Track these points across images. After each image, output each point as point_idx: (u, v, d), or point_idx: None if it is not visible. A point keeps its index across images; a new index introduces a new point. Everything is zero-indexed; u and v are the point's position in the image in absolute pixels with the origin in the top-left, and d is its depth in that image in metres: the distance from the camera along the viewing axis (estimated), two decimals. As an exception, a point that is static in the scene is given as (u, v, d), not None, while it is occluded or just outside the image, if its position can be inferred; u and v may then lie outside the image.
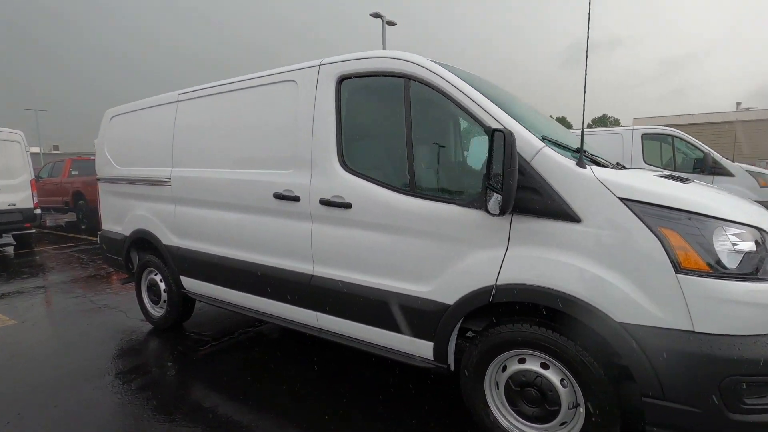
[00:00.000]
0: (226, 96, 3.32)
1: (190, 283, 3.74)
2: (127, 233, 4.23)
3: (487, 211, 2.00)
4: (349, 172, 2.60)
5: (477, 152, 2.68)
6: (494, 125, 2.11)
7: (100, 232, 4.71)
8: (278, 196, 2.89)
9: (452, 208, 2.23)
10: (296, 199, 2.80)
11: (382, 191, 2.47)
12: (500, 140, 1.89)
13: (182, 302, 3.97)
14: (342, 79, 2.66)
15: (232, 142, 3.26)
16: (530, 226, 2.03)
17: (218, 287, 3.46)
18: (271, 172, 2.97)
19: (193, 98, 3.60)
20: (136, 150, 4.13)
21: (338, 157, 2.64)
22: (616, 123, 66.04)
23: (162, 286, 4.05)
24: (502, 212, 1.95)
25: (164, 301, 4.07)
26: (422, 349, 2.42)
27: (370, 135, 2.81)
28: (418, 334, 2.41)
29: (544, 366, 2.08)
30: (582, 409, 1.99)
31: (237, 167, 3.20)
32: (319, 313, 2.84)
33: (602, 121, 69.36)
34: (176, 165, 3.67)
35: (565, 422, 2.06)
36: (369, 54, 2.58)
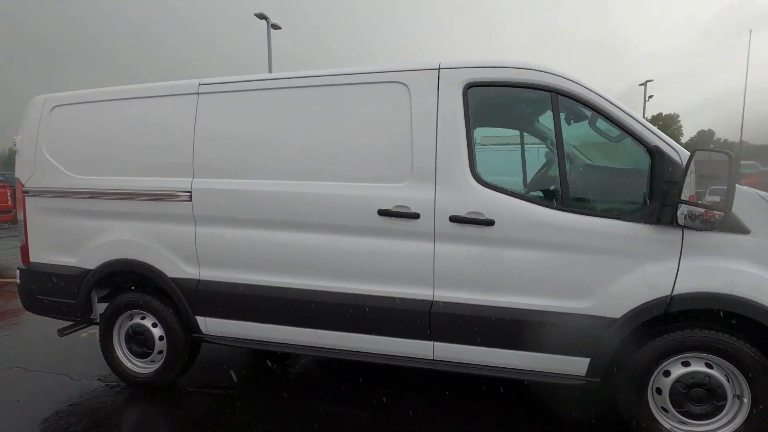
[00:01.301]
0: (295, 93, 2.74)
1: (216, 325, 2.94)
2: (91, 266, 3.11)
3: (676, 224, 2.11)
4: (484, 186, 2.42)
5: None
6: (654, 142, 2.24)
7: (24, 267, 3.34)
8: (386, 213, 2.52)
9: (615, 222, 2.27)
10: (414, 216, 2.48)
11: (530, 207, 2.37)
12: (663, 158, 2.07)
13: (191, 350, 3.09)
14: (469, 86, 2.47)
15: (306, 149, 2.71)
16: (701, 238, 2.20)
17: (271, 326, 2.81)
18: (375, 186, 2.57)
19: (227, 92, 2.86)
20: (113, 153, 3.07)
21: (470, 170, 2.44)
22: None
23: (156, 332, 3.09)
24: (691, 227, 2.08)
25: (159, 353, 3.10)
26: (574, 366, 2.39)
27: (506, 147, 2.66)
28: (572, 351, 2.37)
29: (708, 365, 2.26)
30: (746, 399, 2.23)
31: (316, 179, 2.67)
32: (436, 343, 2.55)
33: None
34: (200, 174, 2.86)
35: (728, 415, 2.27)
36: (503, 63, 2.46)
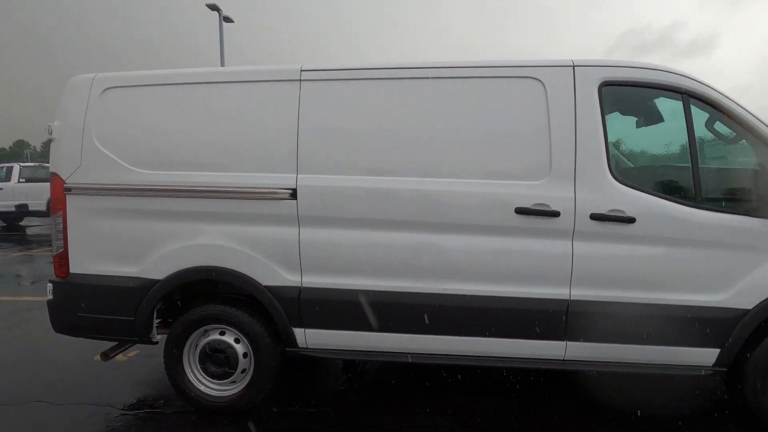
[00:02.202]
0: (417, 84, 2.56)
1: (318, 337, 2.65)
2: (159, 275, 2.67)
3: None
4: (623, 184, 2.44)
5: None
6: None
7: (60, 280, 2.77)
8: (523, 211, 2.44)
9: (746, 219, 2.40)
10: (554, 214, 2.43)
11: (668, 204, 2.42)
12: None
13: (281, 367, 2.76)
14: (604, 85, 2.49)
15: (431, 145, 2.54)
16: None
17: (385, 335, 2.60)
18: (511, 183, 2.48)
19: (336, 80, 2.61)
20: (191, 146, 2.67)
21: (608, 168, 2.45)
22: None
23: (239, 349, 2.71)
24: None
25: (243, 372, 2.73)
26: (703, 357, 2.48)
27: (640, 146, 2.69)
28: (703, 343, 2.45)
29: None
30: None
31: (444, 176, 2.51)
32: (569, 343, 2.51)
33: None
34: (306, 170, 2.57)
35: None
36: (639, 63, 2.51)
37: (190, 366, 2.77)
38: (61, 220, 2.74)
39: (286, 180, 2.57)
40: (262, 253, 2.62)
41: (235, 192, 2.61)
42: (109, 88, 2.74)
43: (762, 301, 2.39)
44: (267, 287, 2.62)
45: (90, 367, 3.54)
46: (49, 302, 2.83)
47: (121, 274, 2.72)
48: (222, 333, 2.74)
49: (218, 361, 2.73)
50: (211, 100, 2.68)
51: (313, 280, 2.61)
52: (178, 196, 2.65)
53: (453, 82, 2.56)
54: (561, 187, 2.45)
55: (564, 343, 2.52)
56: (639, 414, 2.68)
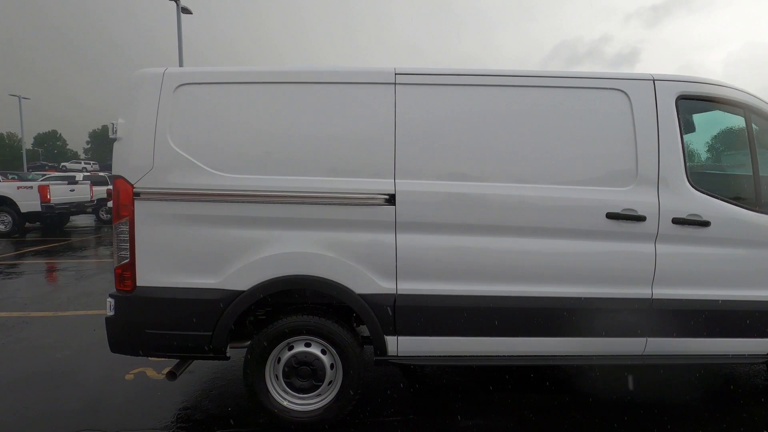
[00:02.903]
0: (508, 91, 2.61)
1: (411, 344, 2.62)
2: (243, 286, 2.50)
3: None
4: (698, 190, 2.64)
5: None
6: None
7: (125, 294, 2.50)
8: (614, 216, 2.57)
9: None
10: (641, 218, 2.58)
11: (737, 209, 2.66)
12: None
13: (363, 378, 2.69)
14: (680, 98, 2.68)
15: (527, 151, 2.60)
16: None
17: (479, 339, 2.62)
18: (599, 190, 2.60)
19: (429, 84, 2.59)
20: (279, 148, 2.53)
21: (686, 175, 2.64)
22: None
23: (326, 360, 2.61)
24: None
25: (329, 384, 2.63)
26: (765, 346, 2.74)
27: (707, 155, 2.90)
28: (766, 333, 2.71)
29: None
30: None
31: (537, 182, 2.58)
32: (650, 339, 2.68)
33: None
34: (404, 176, 2.53)
35: None
36: (710, 80, 2.72)
37: (272, 381, 2.63)
38: (127, 228, 2.48)
39: (384, 185, 2.52)
40: (356, 261, 2.54)
41: (327, 197, 2.51)
42: (183, 85, 2.53)
43: None
44: (360, 295, 2.54)
45: (126, 387, 3.26)
46: (108, 319, 2.56)
47: (198, 286, 2.52)
48: (308, 345, 2.62)
49: (304, 374, 2.61)
50: (297, 101, 2.56)
51: (408, 287, 2.57)
52: (265, 202, 2.50)
53: (543, 91, 2.64)
54: (646, 193, 2.60)
55: (644, 339, 2.67)
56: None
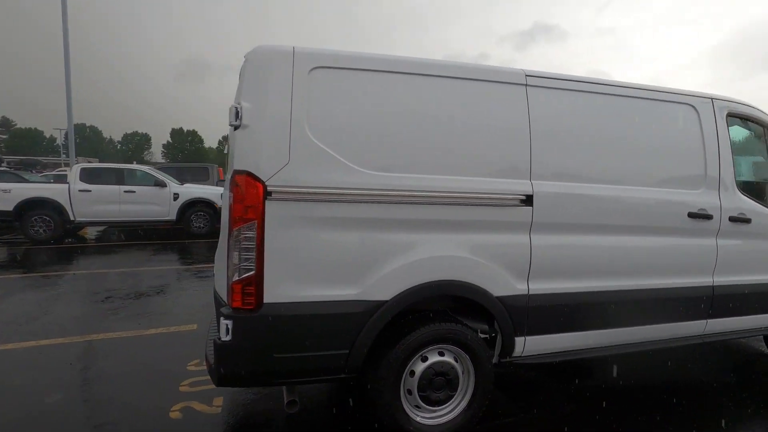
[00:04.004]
0: (601, 99, 2.78)
1: (537, 343, 2.64)
2: (385, 296, 2.27)
3: None
4: (742, 193, 3.16)
5: None
6: None
7: (248, 313, 2.06)
8: (692, 215, 2.94)
9: None
10: (709, 217, 2.99)
11: (765, 209, 3.24)
12: None
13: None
14: (728, 115, 3.16)
15: (624, 155, 2.81)
16: None
17: (582, 333, 2.77)
18: (681, 192, 2.94)
19: (558, 89, 2.65)
20: (416, 144, 2.34)
21: (735, 180, 3.13)
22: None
23: (459, 368, 2.50)
24: None
25: (462, 392, 2.52)
26: None
27: (744, 165, 3.40)
28: None
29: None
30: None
31: (634, 184, 2.81)
32: (710, 320, 3.12)
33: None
34: (540, 177, 2.54)
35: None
36: (747, 102, 3.26)
37: (405, 396, 2.42)
38: (253, 233, 2.07)
39: (521, 186, 2.51)
40: (495, 263, 2.48)
41: (469, 198, 2.41)
42: (318, 68, 2.19)
43: None
44: (498, 297, 2.50)
45: (176, 427, 2.68)
46: (222, 346, 2.09)
47: (335, 299, 2.21)
48: (441, 353, 2.47)
49: (439, 386, 2.46)
50: (439, 95, 2.40)
51: (539, 287, 2.60)
52: (408, 203, 2.30)
53: (636, 101, 2.88)
54: (711, 195, 3.02)
55: (705, 321, 3.10)
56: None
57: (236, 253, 2.09)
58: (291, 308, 2.15)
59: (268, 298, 2.11)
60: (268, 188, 2.08)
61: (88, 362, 3.62)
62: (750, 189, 3.34)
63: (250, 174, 2.07)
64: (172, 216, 10.79)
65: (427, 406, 2.46)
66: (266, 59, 2.15)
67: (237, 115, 2.07)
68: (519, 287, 2.56)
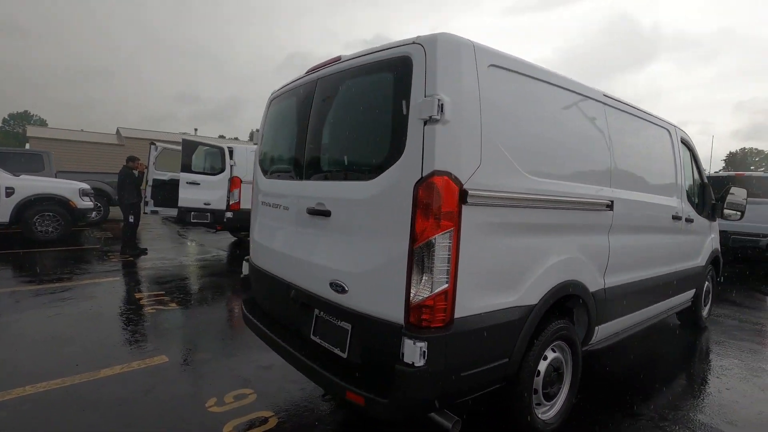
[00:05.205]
0: (638, 122, 3.36)
1: (604, 330, 3.01)
2: (534, 299, 2.29)
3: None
4: (688, 200, 4.13)
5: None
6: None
7: (440, 333, 1.81)
8: (674, 217, 3.75)
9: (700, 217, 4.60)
10: (679, 218, 3.85)
11: (695, 213, 4.30)
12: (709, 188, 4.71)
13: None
14: (681, 140, 4.09)
15: (644, 166, 3.40)
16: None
17: (628, 317, 3.29)
18: (669, 198, 3.71)
19: (617, 109, 3.04)
20: (548, 151, 2.42)
21: (685, 191, 4.09)
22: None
23: (563, 360, 2.68)
24: None
25: (565, 384, 2.70)
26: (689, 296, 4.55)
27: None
28: None
29: None
30: None
31: (647, 191, 3.41)
32: (673, 297, 4.03)
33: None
34: (616, 185, 2.89)
35: None
36: (685, 132, 4.25)
37: (532, 395, 2.48)
38: (449, 242, 1.86)
39: (608, 192, 2.82)
40: (591, 261, 2.74)
41: (584, 203, 2.63)
42: (492, 65, 2.08)
43: None
44: (592, 293, 2.76)
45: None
46: (415, 374, 1.81)
47: (502, 307, 2.13)
48: (553, 350, 2.61)
49: (553, 381, 2.59)
50: (556, 106, 2.53)
51: (611, 281, 2.95)
52: (555, 208, 2.40)
53: (647, 124, 3.53)
54: (678, 201, 3.89)
55: (672, 298, 3.99)
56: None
57: (427, 265, 1.84)
58: (476, 321, 2.00)
59: (459, 312, 1.92)
60: (467, 192, 1.89)
61: None
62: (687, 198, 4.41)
63: (450, 176, 1.85)
64: (4, 218, 8.18)
65: (545, 402, 2.58)
66: (456, 50, 1.94)
67: (440, 108, 1.82)
68: (600, 281, 2.87)
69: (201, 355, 3.65)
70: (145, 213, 8.57)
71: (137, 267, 7.08)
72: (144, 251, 8.09)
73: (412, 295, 1.87)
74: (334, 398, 2.85)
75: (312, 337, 2.40)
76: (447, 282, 1.87)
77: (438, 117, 1.83)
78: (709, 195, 4.53)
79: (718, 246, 4.94)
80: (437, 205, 1.83)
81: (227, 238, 10.66)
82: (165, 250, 8.86)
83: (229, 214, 8.04)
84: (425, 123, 1.86)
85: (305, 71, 2.78)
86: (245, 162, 8.09)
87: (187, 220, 7.74)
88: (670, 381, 3.54)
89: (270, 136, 3.18)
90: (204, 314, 4.89)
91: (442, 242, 1.85)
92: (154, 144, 8.92)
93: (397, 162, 1.95)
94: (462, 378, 1.98)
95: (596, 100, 2.84)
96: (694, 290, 4.47)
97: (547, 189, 2.33)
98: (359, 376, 2.05)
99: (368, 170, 2.12)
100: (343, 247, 2.20)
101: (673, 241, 3.84)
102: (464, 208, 1.90)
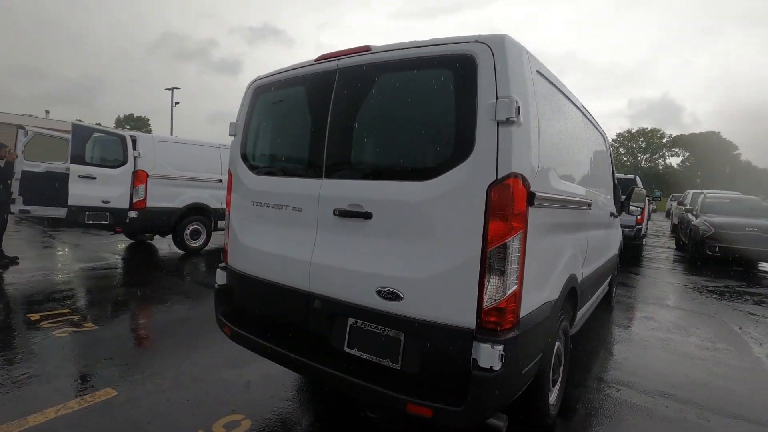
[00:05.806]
0: (591, 128, 3.76)
1: (579, 317, 3.34)
2: (556, 294, 2.44)
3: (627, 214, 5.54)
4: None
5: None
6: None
7: (512, 332, 1.79)
8: (611, 214, 4.32)
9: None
10: (614, 215, 4.45)
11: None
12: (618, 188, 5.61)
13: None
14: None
15: (599, 168, 3.84)
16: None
17: (587, 304, 3.70)
18: (608, 197, 4.24)
19: (587, 118, 3.37)
20: (568, 154, 2.59)
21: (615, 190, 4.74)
22: None
23: (562, 348, 2.91)
24: None
25: (561, 373, 2.93)
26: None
27: None
28: None
29: None
30: None
31: (600, 191, 3.87)
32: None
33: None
34: (590, 186, 3.22)
35: None
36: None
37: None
38: (519, 245, 1.87)
39: (589, 193, 3.14)
40: (581, 255, 3.02)
41: (582, 204, 2.87)
42: (539, 73, 2.14)
43: None
44: (579, 283, 3.03)
45: None
46: (494, 378, 1.79)
47: (541, 303, 2.23)
48: (558, 339, 2.81)
49: (556, 367, 2.79)
50: (565, 114, 2.71)
51: (585, 271, 3.27)
52: (574, 208, 2.63)
53: (594, 131, 3.99)
54: (611, 199, 4.48)
55: (611, 275, 4.59)
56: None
57: (503, 267, 1.83)
58: (530, 320, 2.05)
59: (523, 312, 1.95)
60: (534, 194, 1.92)
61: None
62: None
63: (522, 178, 1.85)
64: None
65: (551, 387, 2.77)
66: (520, 53, 1.94)
67: (517, 109, 1.80)
68: (581, 272, 3.17)
69: (158, 381, 3.09)
70: (12, 213, 6.94)
71: (13, 281, 5.69)
72: (14, 260, 6.54)
73: (485, 298, 1.84)
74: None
75: (347, 349, 2.20)
76: (516, 283, 1.89)
77: (515, 119, 1.82)
78: (618, 193, 5.32)
79: (621, 238, 5.84)
80: (511, 207, 1.83)
81: (114, 241, 9.20)
82: (39, 258, 7.29)
83: (132, 214, 6.92)
84: (499, 124, 1.83)
85: (314, 59, 2.52)
86: (152, 153, 7.05)
87: (80, 221, 6.45)
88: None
89: (260, 128, 2.82)
90: (132, 331, 4.16)
91: (515, 244, 1.86)
92: (23, 128, 7.24)
93: (464, 163, 1.89)
94: (522, 376, 2.02)
95: (582, 113, 3.13)
96: (611, 275, 5.22)
97: (571, 191, 2.52)
98: (419, 387, 1.95)
99: (422, 170, 2.02)
100: (393, 252, 2.06)
101: (607, 233, 4.42)
102: (531, 210, 1.94)
